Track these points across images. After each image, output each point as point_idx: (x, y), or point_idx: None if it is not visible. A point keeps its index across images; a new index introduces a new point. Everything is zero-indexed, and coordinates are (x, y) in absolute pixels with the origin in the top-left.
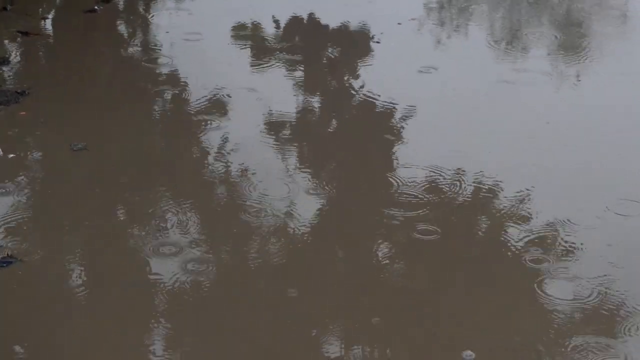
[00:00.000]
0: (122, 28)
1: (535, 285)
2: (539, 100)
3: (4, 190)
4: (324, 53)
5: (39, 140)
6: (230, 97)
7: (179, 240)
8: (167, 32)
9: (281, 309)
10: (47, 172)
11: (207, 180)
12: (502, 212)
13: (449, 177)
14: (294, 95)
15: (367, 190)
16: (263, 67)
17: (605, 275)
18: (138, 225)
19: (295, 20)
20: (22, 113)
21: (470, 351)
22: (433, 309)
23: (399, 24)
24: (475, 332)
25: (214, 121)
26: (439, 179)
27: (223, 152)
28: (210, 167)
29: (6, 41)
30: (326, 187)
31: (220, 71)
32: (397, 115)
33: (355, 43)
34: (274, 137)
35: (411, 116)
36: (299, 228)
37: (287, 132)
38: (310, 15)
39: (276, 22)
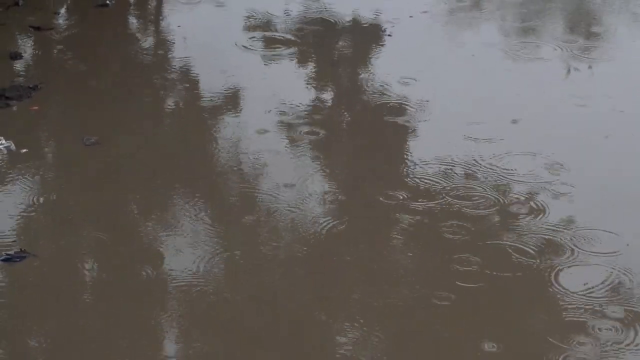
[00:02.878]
0: (133, 22)
1: (552, 278)
2: (550, 90)
3: (16, 185)
4: (336, 45)
5: (52, 135)
6: (242, 89)
7: (192, 233)
8: (178, 25)
9: (298, 302)
10: (60, 166)
11: (221, 172)
12: (519, 203)
13: (463, 166)
14: (306, 86)
15: (382, 179)
16: (275, 60)
17: (618, 276)
18: (151, 219)
19: (306, 12)
20: (34, 108)
21: (492, 343)
22: (451, 302)
23: (410, 16)
24: (495, 325)
25: (226, 113)
26: (452, 168)
27: (236, 144)
28: (223, 159)
29: (18, 36)
30: (339, 177)
31: (233, 63)
32: (409, 106)
33: (366, 35)
34: (286, 128)
35: (422, 107)
36: (313, 219)
37: (299, 122)
38: (322, 7)
39: (287, 14)
